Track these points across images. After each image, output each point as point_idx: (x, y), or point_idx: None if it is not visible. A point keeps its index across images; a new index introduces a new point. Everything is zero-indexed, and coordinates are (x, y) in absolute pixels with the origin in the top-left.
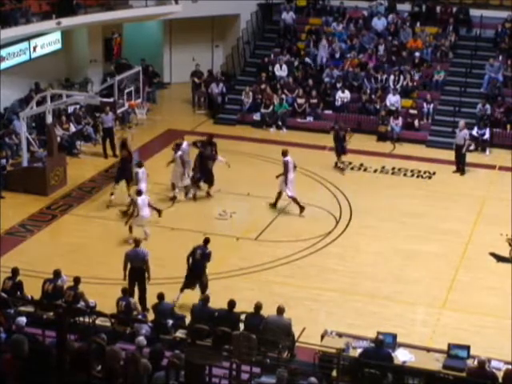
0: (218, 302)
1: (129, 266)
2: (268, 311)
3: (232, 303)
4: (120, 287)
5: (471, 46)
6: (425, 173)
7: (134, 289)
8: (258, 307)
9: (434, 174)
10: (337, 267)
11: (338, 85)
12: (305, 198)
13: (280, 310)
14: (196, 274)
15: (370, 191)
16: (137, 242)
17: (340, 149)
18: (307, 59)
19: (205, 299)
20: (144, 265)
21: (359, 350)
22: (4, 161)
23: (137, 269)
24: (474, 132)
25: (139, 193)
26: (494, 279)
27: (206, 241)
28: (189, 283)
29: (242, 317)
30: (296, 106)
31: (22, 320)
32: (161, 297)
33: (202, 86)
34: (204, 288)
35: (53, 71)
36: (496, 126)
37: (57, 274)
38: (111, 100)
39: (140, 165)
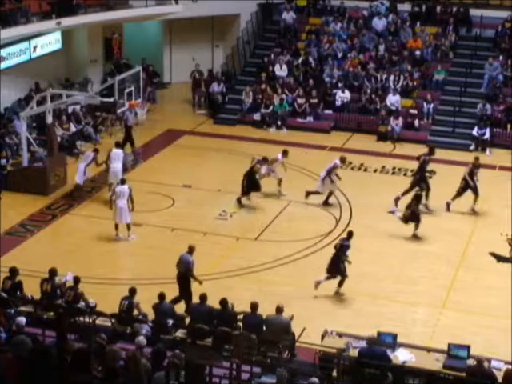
0: (218, 302)
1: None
2: (268, 311)
3: (224, 301)
4: (120, 287)
5: (471, 46)
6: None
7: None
8: (255, 306)
9: (435, 173)
10: None
11: (340, 84)
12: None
13: (279, 309)
14: (332, 265)
15: (371, 191)
16: (190, 249)
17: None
18: (306, 58)
19: (202, 298)
20: (188, 272)
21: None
22: (4, 161)
23: (181, 273)
24: (474, 132)
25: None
26: (494, 279)
27: (350, 234)
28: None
29: (240, 317)
30: (296, 105)
31: (22, 320)
32: (162, 297)
33: (203, 85)
34: (340, 280)
35: (53, 71)
36: (496, 126)
37: (52, 272)
38: (111, 100)
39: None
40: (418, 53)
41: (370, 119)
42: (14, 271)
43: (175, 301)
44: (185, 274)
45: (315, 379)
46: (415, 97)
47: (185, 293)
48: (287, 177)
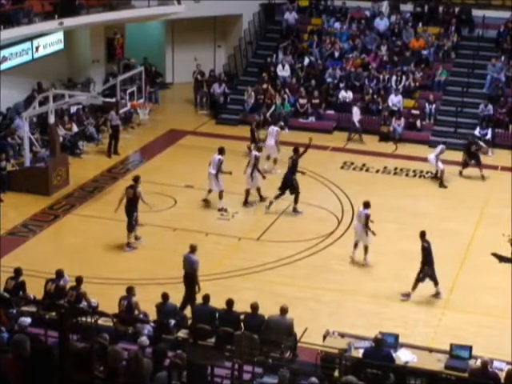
0: (219, 303)
1: None
2: (270, 312)
3: (230, 302)
4: (122, 287)
5: (473, 47)
6: (427, 173)
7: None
8: (255, 307)
9: (437, 174)
10: (339, 267)
11: (341, 85)
12: (307, 198)
13: (283, 310)
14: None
15: (372, 191)
16: (192, 248)
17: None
18: (308, 59)
19: (205, 298)
20: (194, 272)
21: (361, 351)
22: (4, 162)
23: (187, 274)
24: (476, 132)
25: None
26: (496, 279)
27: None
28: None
29: (242, 317)
30: (298, 106)
31: (26, 320)
32: (165, 297)
33: (205, 86)
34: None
35: (55, 71)
36: (498, 127)
37: (59, 274)
38: (113, 100)
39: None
40: (424, 52)
41: (372, 119)
42: (18, 272)
43: (183, 306)
44: (191, 275)
45: (314, 379)
46: (417, 97)
47: (190, 293)
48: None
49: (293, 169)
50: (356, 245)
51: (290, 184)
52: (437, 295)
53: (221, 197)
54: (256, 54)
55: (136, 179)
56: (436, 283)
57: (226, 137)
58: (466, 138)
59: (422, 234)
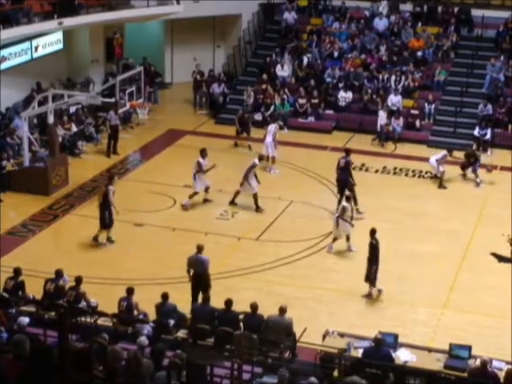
0: (219, 303)
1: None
2: (269, 311)
3: (229, 302)
4: (121, 287)
5: (473, 46)
6: (426, 173)
7: (197, 295)
8: (255, 307)
9: (436, 174)
10: (338, 267)
11: (340, 84)
12: (306, 197)
13: (282, 310)
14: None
15: (372, 191)
16: (198, 248)
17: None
18: (306, 57)
19: (205, 299)
20: (205, 272)
21: (360, 350)
22: (4, 162)
23: (199, 275)
24: (476, 132)
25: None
26: (495, 279)
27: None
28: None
29: (241, 317)
30: (297, 106)
31: (25, 320)
32: (165, 297)
33: (204, 86)
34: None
35: (54, 71)
36: (497, 127)
37: (58, 273)
38: (112, 100)
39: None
40: (419, 53)
41: (372, 119)
42: (17, 271)
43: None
44: (202, 275)
45: (314, 379)
46: (416, 97)
47: (205, 295)
48: (288, 177)
49: (346, 170)
50: (348, 238)
51: (345, 184)
52: (369, 296)
53: (191, 197)
54: (255, 54)
55: (110, 178)
56: (374, 284)
57: (225, 137)
58: (465, 148)
59: (372, 232)
